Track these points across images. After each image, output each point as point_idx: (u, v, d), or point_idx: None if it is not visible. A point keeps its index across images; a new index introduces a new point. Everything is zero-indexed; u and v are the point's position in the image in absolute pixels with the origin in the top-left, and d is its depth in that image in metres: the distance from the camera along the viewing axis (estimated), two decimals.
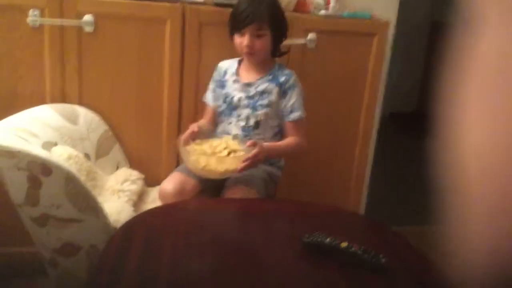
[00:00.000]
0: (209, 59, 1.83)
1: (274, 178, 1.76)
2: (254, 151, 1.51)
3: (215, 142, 1.59)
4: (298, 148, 1.69)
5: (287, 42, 1.91)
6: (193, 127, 1.62)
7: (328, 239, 1.15)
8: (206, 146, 1.58)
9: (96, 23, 1.79)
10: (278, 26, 1.66)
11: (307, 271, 1.14)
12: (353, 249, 1.13)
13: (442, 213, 0.31)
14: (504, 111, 0.27)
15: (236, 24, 1.62)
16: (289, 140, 1.68)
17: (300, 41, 1.95)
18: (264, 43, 1.63)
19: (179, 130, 1.92)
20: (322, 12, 2.02)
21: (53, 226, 1.36)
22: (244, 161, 1.50)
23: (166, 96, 1.90)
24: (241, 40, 1.62)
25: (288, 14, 1.93)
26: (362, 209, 2.39)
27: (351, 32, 2.01)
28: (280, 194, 2.04)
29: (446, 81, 0.32)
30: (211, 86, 1.79)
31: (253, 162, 1.52)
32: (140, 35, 1.84)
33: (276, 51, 1.72)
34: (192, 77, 1.89)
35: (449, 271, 0.31)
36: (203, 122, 1.76)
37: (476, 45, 0.30)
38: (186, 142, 1.57)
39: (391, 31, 2.17)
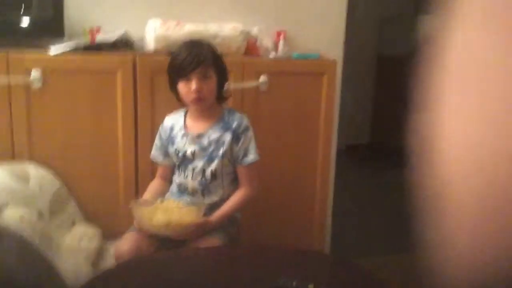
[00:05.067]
0: (162, 107, 1.83)
1: (234, 221, 1.74)
2: (200, 221, 1.53)
3: (162, 204, 1.58)
4: (248, 198, 1.68)
5: (239, 85, 1.94)
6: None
7: (294, 283, 1.14)
8: (159, 205, 1.57)
9: (44, 79, 1.76)
10: (221, 69, 1.64)
11: None
12: None
13: (419, 238, 0.31)
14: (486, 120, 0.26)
15: (181, 71, 1.57)
16: (237, 197, 1.66)
17: (253, 84, 1.98)
18: (211, 86, 1.59)
19: (136, 181, 1.89)
20: (272, 54, 2.07)
21: None
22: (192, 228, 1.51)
23: (121, 148, 1.87)
24: (188, 87, 1.57)
25: (239, 58, 1.97)
26: (327, 244, 2.40)
27: (301, 73, 2.07)
28: (244, 236, 2.02)
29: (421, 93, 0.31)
30: (158, 143, 1.74)
31: (199, 231, 1.54)
32: (91, 88, 1.82)
33: (220, 96, 1.68)
34: (147, 126, 1.87)
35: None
36: (151, 193, 1.72)
37: (449, 47, 0.28)
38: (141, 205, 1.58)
39: (339, 68, 2.25)
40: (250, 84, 1.97)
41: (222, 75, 1.65)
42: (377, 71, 4.67)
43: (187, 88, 1.58)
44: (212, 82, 1.59)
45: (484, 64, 0.26)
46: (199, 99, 1.58)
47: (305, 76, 2.07)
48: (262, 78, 1.99)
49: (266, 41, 2.11)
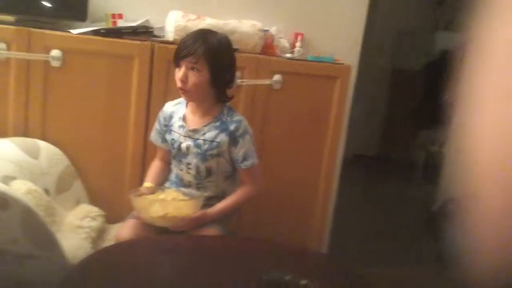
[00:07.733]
0: (175, 96, 1.85)
1: (234, 214, 1.75)
2: (198, 214, 1.54)
3: (161, 194, 1.61)
4: (248, 197, 1.68)
5: (253, 82, 1.96)
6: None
7: (288, 277, 1.15)
8: (157, 196, 1.59)
9: (64, 58, 1.79)
10: (218, 65, 1.55)
11: None
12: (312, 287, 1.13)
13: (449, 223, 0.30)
14: None
15: (175, 57, 1.56)
16: (238, 195, 1.66)
17: (266, 81, 2.00)
18: (198, 79, 1.53)
19: (143, 167, 1.92)
20: (288, 55, 2.09)
21: (9, 263, 1.31)
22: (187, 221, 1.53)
23: (131, 132, 1.90)
24: (178, 75, 1.55)
25: (255, 56, 1.99)
26: (325, 247, 2.41)
27: (315, 75, 2.08)
28: (243, 231, 2.04)
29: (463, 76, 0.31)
30: (157, 126, 1.74)
31: (196, 223, 1.55)
32: (108, 72, 1.85)
33: (221, 96, 1.64)
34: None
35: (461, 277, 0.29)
36: (151, 180, 1.72)
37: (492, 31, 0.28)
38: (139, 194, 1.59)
39: (353, 75, 2.26)
40: (263, 81, 1.99)
41: (219, 72, 1.57)
42: (391, 83, 4.67)
43: (177, 76, 1.57)
44: (201, 76, 1.53)
45: None
46: (183, 90, 1.56)
47: (319, 79, 2.09)
48: (276, 77, 2.01)
49: (283, 41, 2.14)
